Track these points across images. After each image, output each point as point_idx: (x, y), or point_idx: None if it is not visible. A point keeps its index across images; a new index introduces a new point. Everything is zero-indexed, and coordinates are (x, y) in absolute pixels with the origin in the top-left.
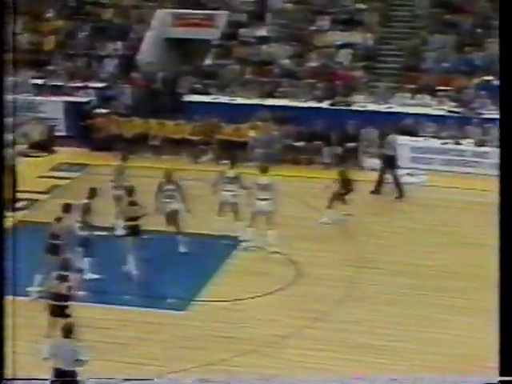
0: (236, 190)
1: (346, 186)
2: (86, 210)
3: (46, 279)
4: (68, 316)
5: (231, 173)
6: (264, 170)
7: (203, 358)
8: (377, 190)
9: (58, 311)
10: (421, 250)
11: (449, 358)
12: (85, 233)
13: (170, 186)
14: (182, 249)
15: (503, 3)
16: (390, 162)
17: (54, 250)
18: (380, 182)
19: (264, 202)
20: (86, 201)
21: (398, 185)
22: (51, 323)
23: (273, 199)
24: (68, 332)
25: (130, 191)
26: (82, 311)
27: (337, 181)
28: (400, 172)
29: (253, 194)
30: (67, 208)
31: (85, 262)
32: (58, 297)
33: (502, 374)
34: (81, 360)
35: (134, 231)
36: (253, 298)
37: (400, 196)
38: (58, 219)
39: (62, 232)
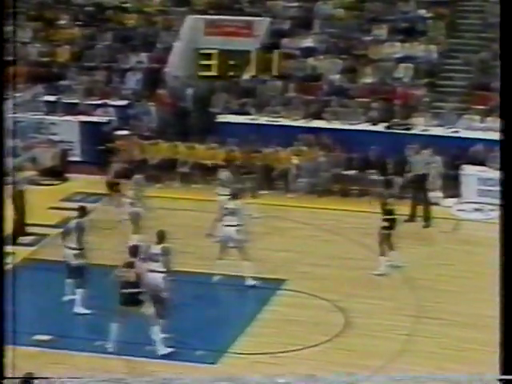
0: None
1: (389, 220)
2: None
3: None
4: None
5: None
6: (235, 197)
7: None
8: (411, 219)
9: None
10: (487, 299)
11: None
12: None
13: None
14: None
15: (503, 3)
16: (419, 183)
17: (133, 300)
18: (414, 209)
19: (232, 229)
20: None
21: (426, 211)
22: None
23: (242, 226)
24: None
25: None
26: (97, 362)
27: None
28: (464, 206)
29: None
30: (134, 251)
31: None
32: None
33: (502, 373)
34: None
35: None
36: (294, 350)
37: (427, 225)
38: (129, 265)
39: (140, 279)
